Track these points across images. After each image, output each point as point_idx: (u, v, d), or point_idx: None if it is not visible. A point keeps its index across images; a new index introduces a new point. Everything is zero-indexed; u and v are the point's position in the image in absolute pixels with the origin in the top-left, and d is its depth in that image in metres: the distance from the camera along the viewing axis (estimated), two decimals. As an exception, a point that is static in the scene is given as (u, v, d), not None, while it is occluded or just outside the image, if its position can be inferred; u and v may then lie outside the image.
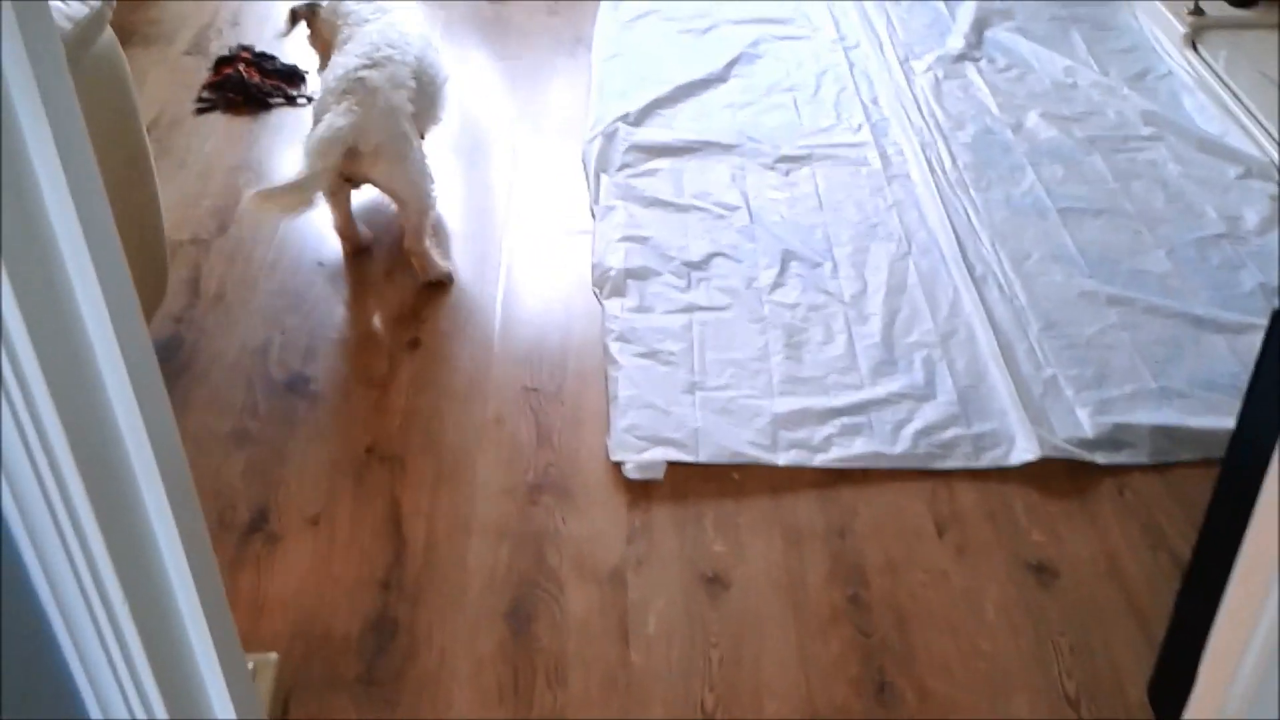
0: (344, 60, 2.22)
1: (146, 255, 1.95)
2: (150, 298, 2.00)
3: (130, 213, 1.86)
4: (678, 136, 2.65)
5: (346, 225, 2.32)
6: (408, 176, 2.18)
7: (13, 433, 0.82)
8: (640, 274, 2.24)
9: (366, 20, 2.34)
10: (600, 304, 2.19)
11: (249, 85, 2.86)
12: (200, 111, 2.81)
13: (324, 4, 2.43)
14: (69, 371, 0.84)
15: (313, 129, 2.12)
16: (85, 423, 0.86)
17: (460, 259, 2.35)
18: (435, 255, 2.26)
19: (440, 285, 2.25)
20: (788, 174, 2.54)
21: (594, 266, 2.28)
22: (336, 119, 2.07)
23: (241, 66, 2.93)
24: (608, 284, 2.22)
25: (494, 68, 3.05)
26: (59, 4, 1.61)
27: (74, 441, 0.84)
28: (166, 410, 0.95)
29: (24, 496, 0.84)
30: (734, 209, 2.42)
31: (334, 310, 2.20)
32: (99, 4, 1.69)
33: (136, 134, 1.88)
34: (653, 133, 2.67)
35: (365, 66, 2.17)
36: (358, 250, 2.34)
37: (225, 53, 3.01)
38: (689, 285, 2.22)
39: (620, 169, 2.56)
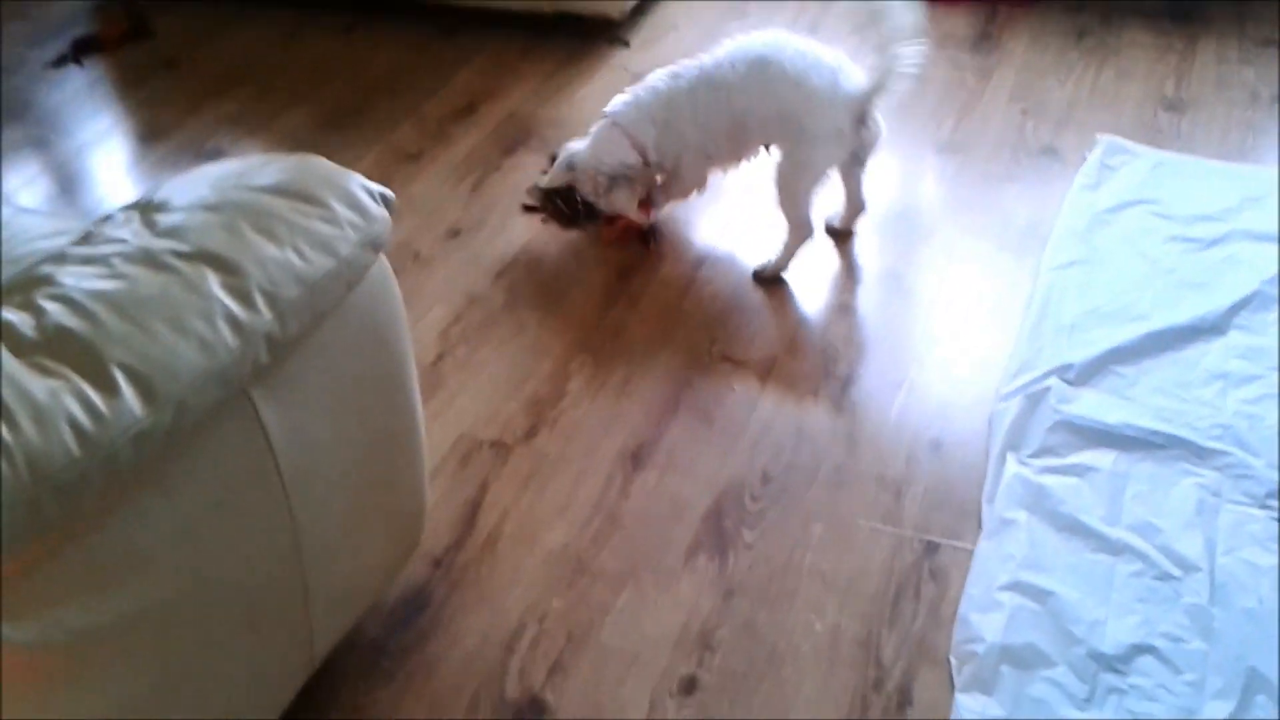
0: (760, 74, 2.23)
1: (398, 501, 1.60)
2: (402, 546, 1.65)
3: (381, 457, 1.51)
4: (1132, 420, 1.91)
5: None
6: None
7: None
8: (1023, 659, 1.57)
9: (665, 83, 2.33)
10: (951, 689, 1.55)
11: (581, 201, 2.47)
12: (528, 209, 2.60)
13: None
14: None
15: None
16: None
17: (775, 550, 1.80)
18: None
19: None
20: (1286, 522, 1.74)
21: (959, 623, 1.64)
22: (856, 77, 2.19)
23: None
24: (970, 664, 1.57)
25: (904, 259, 2.44)
26: (297, 262, 1.27)
27: None
28: None
29: None
30: (1191, 569, 1.67)
31: (608, 599, 1.73)
32: (352, 253, 1.33)
33: (399, 368, 1.52)
34: (1098, 404, 1.95)
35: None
36: None
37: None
38: (1091, 698, 1.52)
39: (1037, 454, 1.88)
